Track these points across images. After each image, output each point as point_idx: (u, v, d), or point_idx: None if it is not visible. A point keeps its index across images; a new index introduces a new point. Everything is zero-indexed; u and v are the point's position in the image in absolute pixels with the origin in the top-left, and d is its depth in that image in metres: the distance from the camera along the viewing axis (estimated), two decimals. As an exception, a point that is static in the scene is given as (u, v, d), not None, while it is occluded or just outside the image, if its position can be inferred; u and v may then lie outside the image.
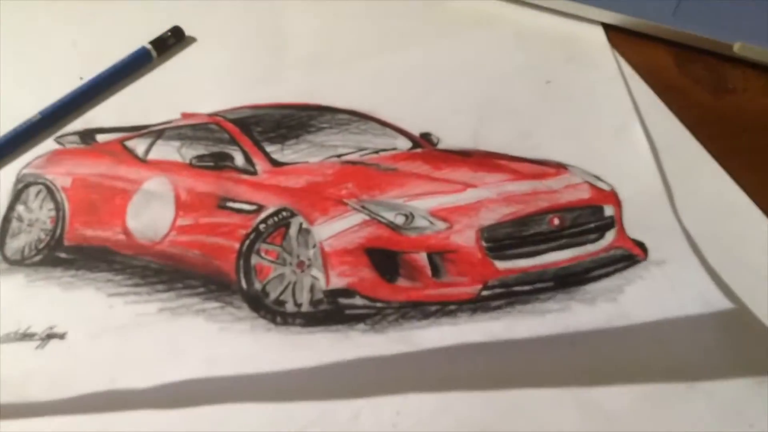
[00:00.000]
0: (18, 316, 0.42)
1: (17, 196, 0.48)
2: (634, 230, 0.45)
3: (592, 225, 0.46)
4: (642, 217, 0.46)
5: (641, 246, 0.45)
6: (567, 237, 0.45)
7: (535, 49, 0.56)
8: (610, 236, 0.45)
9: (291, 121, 0.52)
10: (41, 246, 0.46)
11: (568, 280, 0.43)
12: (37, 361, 0.40)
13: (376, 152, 0.51)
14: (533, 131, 0.51)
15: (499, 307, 0.42)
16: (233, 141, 0.51)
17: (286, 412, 0.39)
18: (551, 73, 0.54)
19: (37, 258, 0.46)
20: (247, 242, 0.45)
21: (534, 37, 0.56)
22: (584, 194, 0.47)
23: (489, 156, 0.50)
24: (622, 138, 0.50)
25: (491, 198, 0.46)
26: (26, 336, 0.41)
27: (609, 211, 0.47)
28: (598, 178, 0.48)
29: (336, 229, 0.45)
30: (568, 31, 0.56)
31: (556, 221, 0.46)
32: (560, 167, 0.49)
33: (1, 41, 0.57)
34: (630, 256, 0.44)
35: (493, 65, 0.55)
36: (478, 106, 0.53)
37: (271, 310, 0.43)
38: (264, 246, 0.45)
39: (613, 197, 0.47)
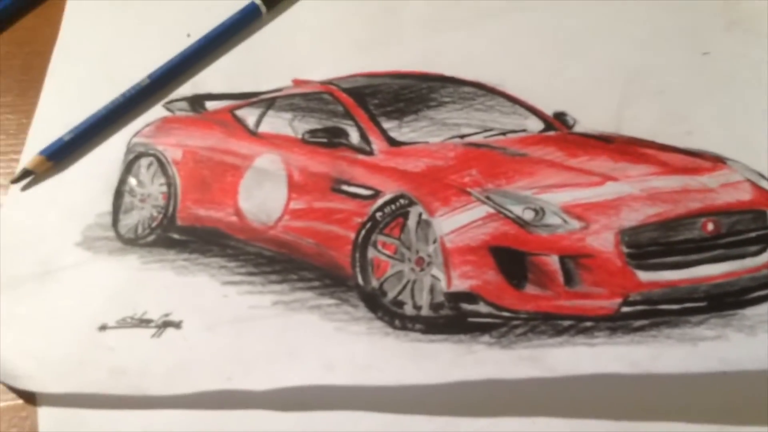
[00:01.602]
0: (134, 299, 0.42)
1: (128, 167, 0.47)
2: (801, 244, 0.40)
3: (753, 234, 0.40)
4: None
5: (811, 266, 0.39)
6: (723, 247, 0.40)
7: (690, 9, 0.48)
8: (774, 249, 0.40)
9: (410, 94, 0.48)
10: (154, 225, 0.45)
11: (723, 301, 0.38)
12: (155, 351, 0.39)
13: (504, 134, 0.46)
14: (687, 115, 0.45)
15: (642, 328, 0.38)
16: (348, 114, 0.47)
17: (402, 424, 0.37)
18: (709, 42, 0.47)
19: (151, 238, 0.45)
20: (363, 232, 0.42)
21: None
22: (745, 195, 0.41)
23: (633, 143, 0.44)
24: (793, 129, 0.43)
25: (634, 194, 0.41)
26: (143, 322, 0.41)
27: (774, 217, 0.41)
28: (761, 176, 0.42)
29: (458, 222, 0.41)
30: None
31: (711, 227, 0.40)
32: (718, 161, 0.43)
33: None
34: (796, 276, 0.39)
35: (641, 29, 0.48)
36: (623, 80, 0.46)
37: (389, 312, 0.40)
38: (381, 238, 0.42)
39: (780, 201, 0.41)
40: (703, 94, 0.45)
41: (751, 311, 0.38)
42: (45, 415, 0.38)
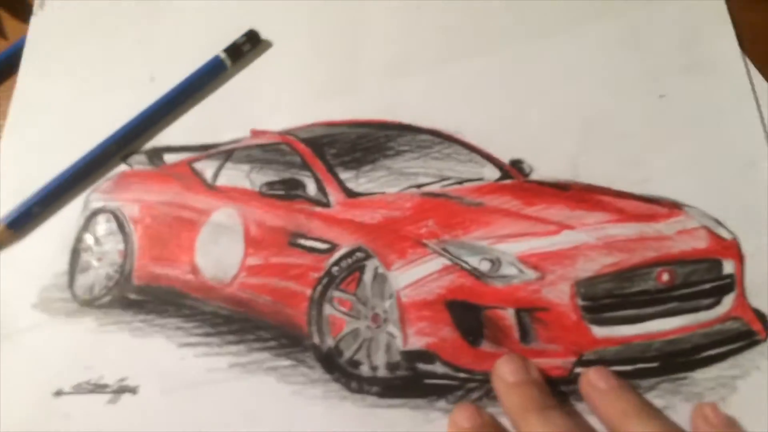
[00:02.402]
0: (90, 363, 0.41)
1: (86, 225, 0.47)
2: (756, 297, 0.39)
3: (707, 286, 0.40)
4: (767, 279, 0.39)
5: (762, 319, 0.39)
6: (677, 300, 0.40)
7: (647, 53, 0.48)
8: (728, 302, 0.40)
9: (368, 143, 0.48)
10: (111, 284, 0.45)
11: (674, 362, 0.38)
12: (110, 418, 0.39)
13: (461, 183, 0.46)
14: (644, 160, 0.44)
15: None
16: (305, 165, 0.47)
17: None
18: (666, 84, 0.47)
19: (107, 299, 0.44)
20: (320, 288, 0.42)
21: (647, 35, 0.48)
22: (701, 243, 0.41)
23: (590, 190, 0.44)
24: (750, 176, 0.42)
25: (590, 243, 0.41)
26: (98, 387, 0.41)
27: (729, 267, 0.41)
28: (718, 222, 0.42)
29: (414, 276, 0.41)
30: (688, 26, 0.48)
31: (666, 277, 0.40)
32: (674, 207, 0.43)
33: (69, 41, 0.54)
34: (748, 332, 0.39)
35: (598, 73, 0.48)
36: (580, 126, 0.46)
37: (345, 373, 0.40)
38: (337, 294, 0.42)
39: (735, 249, 0.41)
40: (661, 138, 0.45)
41: (701, 374, 0.38)
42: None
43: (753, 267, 0.40)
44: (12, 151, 0.50)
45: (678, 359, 0.38)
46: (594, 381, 0.37)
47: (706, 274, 0.40)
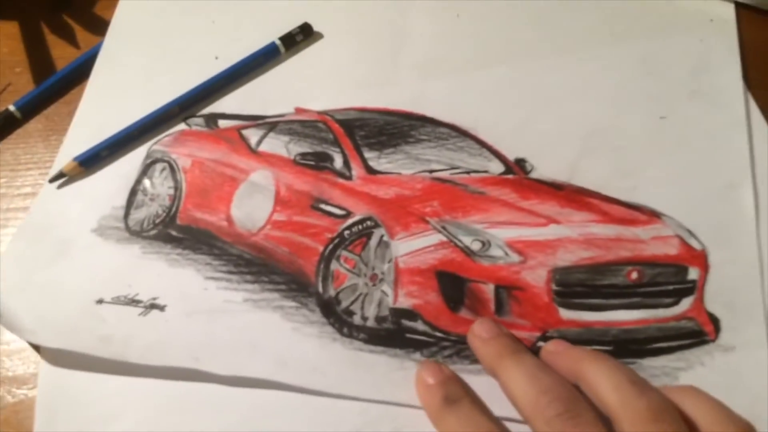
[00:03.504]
0: (129, 282, 0.49)
1: (145, 170, 0.55)
2: (713, 303, 0.43)
3: (671, 287, 0.44)
4: (726, 289, 0.43)
5: (715, 323, 0.43)
6: (641, 296, 0.44)
7: (657, 77, 0.53)
8: (686, 304, 0.44)
9: (393, 129, 0.54)
10: (157, 221, 0.53)
11: (627, 347, 0.42)
12: (139, 327, 0.46)
13: (468, 173, 0.51)
14: (634, 171, 0.49)
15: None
16: (336, 142, 0.54)
17: (335, 413, 0.43)
18: (669, 107, 0.51)
19: (153, 232, 0.52)
20: (331, 246, 0.49)
21: (660, 61, 0.53)
22: (672, 249, 0.46)
23: (581, 192, 0.49)
24: (729, 196, 0.46)
25: (572, 237, 0.46)
26: (133, 302, 0.48)
27: (693, 274, 0.45)
28: (691, 234, 0.46)
29: (413, 246, 0.47)
30: (699, 56, 0.53)
31: (635, 275, 0.45)
32: (654, 215, 0.47)
33: (151, 20, 0.63)
34: (699, 332, 0.43)
35: (609, 90, 0.53)
36: (584, 136, 0.51)
37: (340, 319, 0.46)
38: (344, 253, 0.48)
39: (702, 259, 0.45)
40: (654, 154, 0.50)
41: (648, 362, 0.42)
42: (45, 368, 0.46)
43: (715, 277, 0.44)
44: (93, 103, 0.59)
45: (631, 346, 0.43)
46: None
47: (672, 278, 0.45)
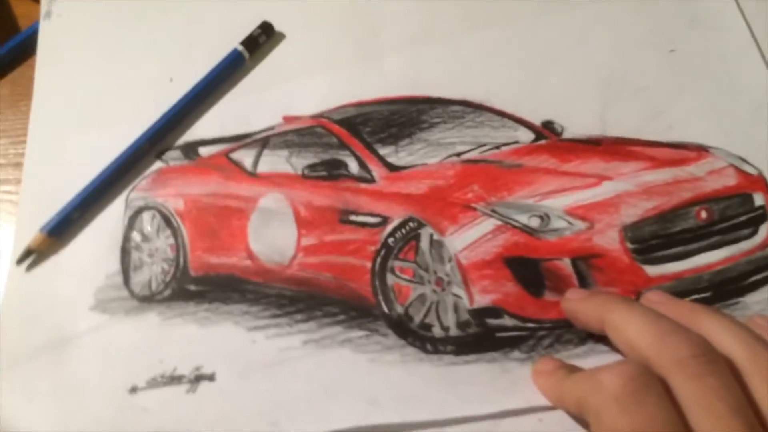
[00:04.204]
0: (160, 356, 0.42)
1: (130, 223, 0.47)
2: (784, 223, 0.42)
3: (743, 218, 0.43)
4: (794, 206, 0.43)
5: (797, 243, 0.42)
6: (717, 233, 0.42)
7: (652, 11, 0.51)
8: (764, 231, 0.43)
9: (401, 118, 0.49)
10: (168, 279, 0.45)
11: (725, 288, 0.41)
12: (192, 407, 0.40)
13: (497, 147, 0.48)
14: (665, 110, 0.47)
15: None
16: (343, 145, 0.48)
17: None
18: (674, 40, 0.50)
19: (167, 293, 0.44)
20: (379, 260, 0.43)
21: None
22: (730, 180, 0.44)
23: (620, 143, 0.47)
24: (764, 116, 0.46)
25: (630, 191, 0.43)
26: (174, 379, 0.41)
27: (759, 199, 0.43)
28: (743, 160, 0.45)
29: (469, 238, 0.43)
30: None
31: (704, 214, 0.43)
32: (701, 150, 0.45)
33: (81, 47, 0.54)
34: (788, 255, 0.42)
35: (609, 34, 0.51)
36: (601, 84, 0.48)
37: (418, 336, 0.41)
38: (398, 263, 0.43)
39: (762, 183, 0.44)
40: (677, 89, 0.48)
41: (750, 298, 0.40)
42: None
43: (780, 198, 0.43)
44: (36, 159, 0.49)
45: (728, 287, 0.41)
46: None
47: (740, 208, 0.43)
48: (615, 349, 0.38)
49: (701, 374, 0.32)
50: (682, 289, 0.41)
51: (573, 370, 0.38)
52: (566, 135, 0.48)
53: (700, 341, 0.34)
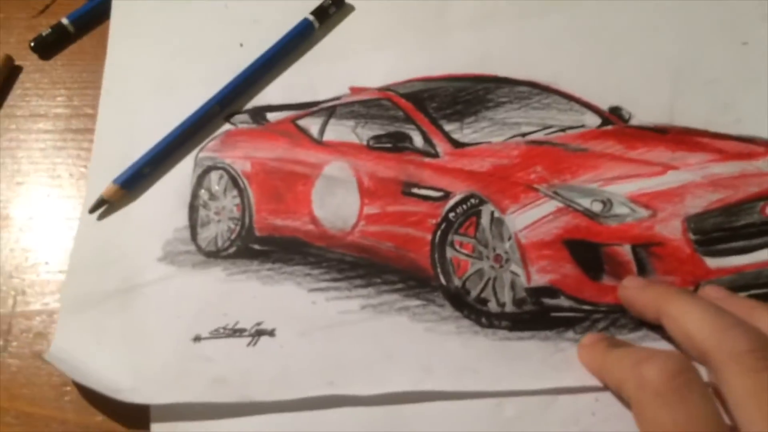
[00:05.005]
0: (223, 310, 0.43)
1: (199, 181, 0.48)
2: None
3: (809, 216, 0.43)
4: None
5: None
6: (781, 230, 0.42)
7: (725, 3, 0.51)
8: (829, 230, 0.42)
9: (467, 96, 0.50)
10: (233, 237, 0.46)
11: (785, 286, 0.41)
12: (253, 359, 0.41)
13: (563, 130, 0.48)
14: (734, 102, 0.47)
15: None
16: (409, 119, 0.49)
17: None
18: (747, 32, 0.49)
19: (232, 250, 0.46)
20: (439, 233, 0.44)
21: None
22: (798, 178, 0.44)
23: (688, 133, 0.46)
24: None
25: (696, 182, 0.43)
26: (236, 332, 0.42)
27: (826, 199, 0.43)
28: (812, 159, 0.45)
29: (530, 218, 0.43)
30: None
31: (769, 210, 0.43)
32: (769, 145, 0.45)
33: (154, 11, 0.56)
34: None
35: (681, 24, 0.50)
36: (671, 73, 0.48)
37: (475, 310, 0.42)
38: (458, 237, 0.44)
39: (831, 183, 0.44)
40: (747, 82, 0.48)
41: (811, 297, 0.40)
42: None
43: None
44: (110, 115, 0.51)
45: (789, 285, 0.41)
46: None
47: (807, 206, 0.43)
48: (668, 339, 0.38)
49: (757, 369, 0.32)
50: (741, 283, 0.41)
51: (615, 343, 0.39)
52: (633, 122, 0.48)
53: (760, 337, 0.34)
